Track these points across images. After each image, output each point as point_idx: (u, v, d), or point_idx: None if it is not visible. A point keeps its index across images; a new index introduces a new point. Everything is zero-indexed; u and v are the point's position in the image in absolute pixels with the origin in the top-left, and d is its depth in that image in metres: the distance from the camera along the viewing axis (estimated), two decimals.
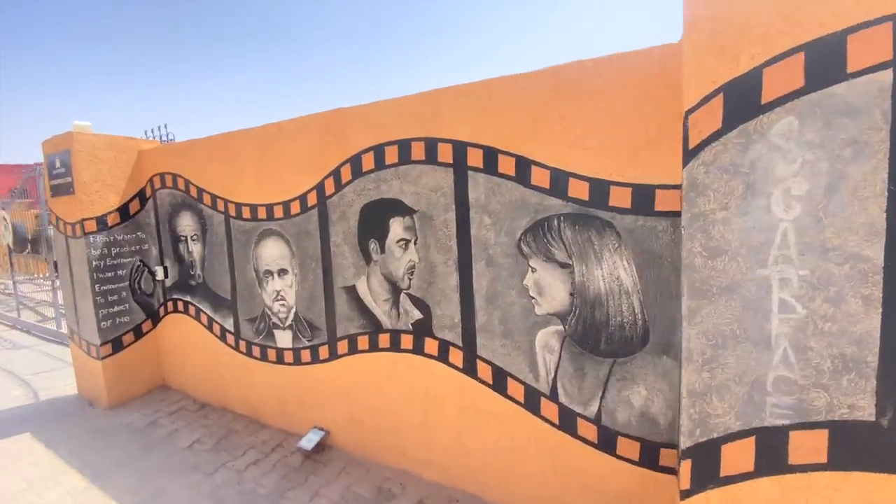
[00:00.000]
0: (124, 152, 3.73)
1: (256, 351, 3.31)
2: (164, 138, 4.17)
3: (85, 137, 3.49)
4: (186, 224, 3.61)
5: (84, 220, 3.49)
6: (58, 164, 3.60)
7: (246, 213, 3.19)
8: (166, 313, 3.95)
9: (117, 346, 3.72)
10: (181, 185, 3.58)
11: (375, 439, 2.78)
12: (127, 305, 3.78)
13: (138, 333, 3.87)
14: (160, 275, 3.84)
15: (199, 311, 3.65)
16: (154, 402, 3.80)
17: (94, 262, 3.54)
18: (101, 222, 3.58)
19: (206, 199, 3.42)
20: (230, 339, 3.46)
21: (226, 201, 3.29)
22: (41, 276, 10.71)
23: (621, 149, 1.87)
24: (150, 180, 3.81)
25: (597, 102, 1.90)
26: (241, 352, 3.40)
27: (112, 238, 3.65)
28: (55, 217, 3.77)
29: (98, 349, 3.61)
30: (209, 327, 3.59)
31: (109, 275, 3.64)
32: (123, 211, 3.72)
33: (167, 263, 3.84)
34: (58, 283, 6.05)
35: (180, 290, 3.78)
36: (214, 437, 3.21)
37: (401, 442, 2.68)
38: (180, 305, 3.81)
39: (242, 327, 3.37)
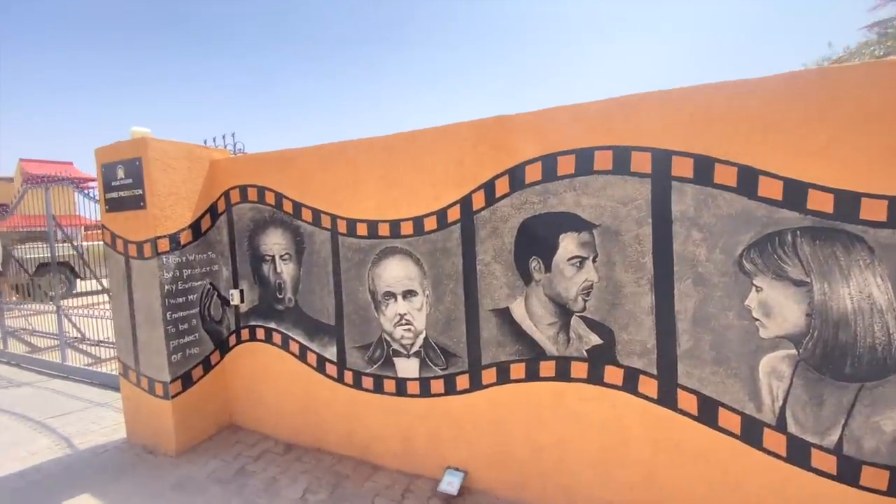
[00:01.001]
0: (198, 163, 3.32)
1: (368, 382, 2.96)
2: (233, 148, 3.76)
3: (160, 145, 3.07)
4: (275, 242, 3.23)
5: (157, 237, 3.05)
6: (120, 175, 3.15)
7: (361, 229, 2.88)
8: (238, 342, 3.51)
9: (187, 381, 3.25)
10: (270, 199, 3.21)
11: (534, 479, 2.50)
12: (197, 335, 3.32)
13: (207, 366, 3.41)
14: (236, 299, 3.41)
15: (287, 338, 3.25)
16: (228, 445, 3.32)
17: (166, 287, 3.09)
18: (174, 241, 3.15)
19: (306, 214, 3.07)
20: (331, 369, 3.09)
21: (334, 217, 2.97)
22: (8, 300, 9.61)
23: (874, 157, 1.76)
24: (226, 194, 3.41)
25: (843, 107, 1.79)
26: (345, 383, 3.04)
27: (184, 259, 3.21)
28: (110, 235, 3.29)
29: (167, 387, 3.13)
30: (301, 357, 3.20)
31: (181, 300, 3.19)
32: (195, 228, 3.29)
33: (243, 286, 3.43)
34: (66, 309, 5.39)
35: (261, 316, 3.36)
36: (325, 484, 2.81)
37: (570, 482, 2.41)
38: (260, 333, 3.39)
39: (349, 356, 3.01)
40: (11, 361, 6.09)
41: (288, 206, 3.15)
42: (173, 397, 3.15)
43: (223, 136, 3.74)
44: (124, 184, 3.14)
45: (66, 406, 4.36)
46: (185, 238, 3.22)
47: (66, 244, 11.75)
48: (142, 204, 3.07)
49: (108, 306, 5.52)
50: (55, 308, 5.55)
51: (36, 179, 5.28)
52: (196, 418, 3.31)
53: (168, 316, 3.11)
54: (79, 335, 6.96)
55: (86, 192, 4.81)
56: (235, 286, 3.46)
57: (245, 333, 3.46)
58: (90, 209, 4.85)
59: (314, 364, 3.16)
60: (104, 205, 3.29)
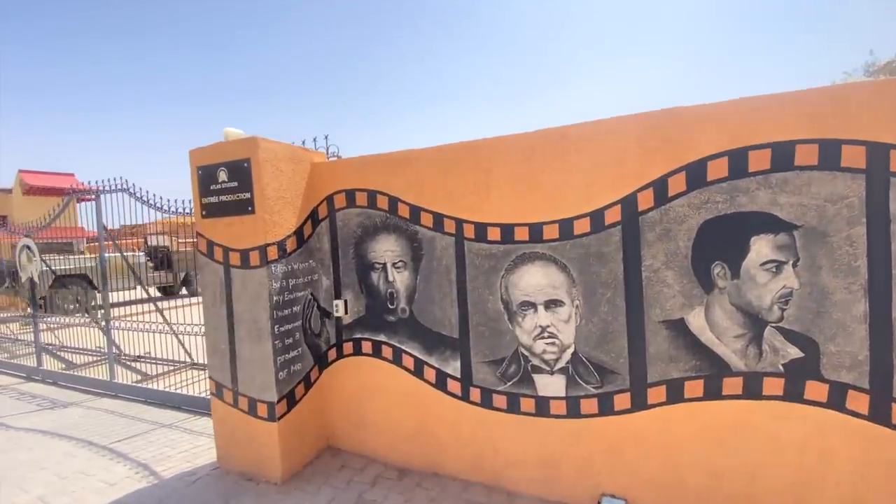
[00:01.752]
0: (300, 165, 3.10)
1: (500, 401, 2.71)
2: (326, 151, 3.54)
3: (269, 145, 2.85)
4: (387, 249, 3.00)
5: (267, 245, 2.81)
6: (222, 178, 2.92)
7: (493, 234, 2.66)
8: (338, 357, 3.25)
9: (291, 401, 2.98)
10: (382, 203, 2.99)
11: None
12: (300, 350, 3.07)
13: (307, 384, 3.15)
14: (340, 310, 3.17)
15: (399, 352, 3.01)
16: (334, 471, 3.05)
17: (274, 298, 2.84)
18: (282, 248, 2.91)
19: (426, 219, 2.85)
20: (453, 386, 2.84)
21: (459, 221, 2.75)
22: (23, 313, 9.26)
23: None
24: (329, 199, 3.18)
25: None
26: (472, 402, 2.79)
27: (290, 268, 2.97)
28: (205, 243, 3.05)
29: (272, 407, 2.86)
30: (416, 372, 2.95)
31: (286, 312, 2.94)
32: (299, 235, 3.05)
33: (347, 296, 3.18)
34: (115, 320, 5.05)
35: (368, 328, 3.12)
36: None
37: None
38: (366, 347, 3.14)
39: (477, 372, 2.77)
40: (48, 379, 5.76)
41: (404, 211, 2.92)
42: (279, 419, 2.88)
43: (314, 139, 3.52)
44: (227, 187, 2.91)
45: (129, 428, 4.06)
46: (290, 245, 2.98)
47: (81, 256, 11.47)
48: (249, 209, 2.84)
49: (145, 318, 5.23)
50: (100, 322, 5.25)
51: (72, 191, 5.01)
52: (298, 441, 3.04)
53: (275, 329, 2.86)
54: (117, 350, 6.66)
55: (143, 200, 4.56)
56: (337, 296, 3.22)
57: (348, 347, 3.21)
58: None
59: (432, 380, 2.91)
60: (199, 210, 3.05)
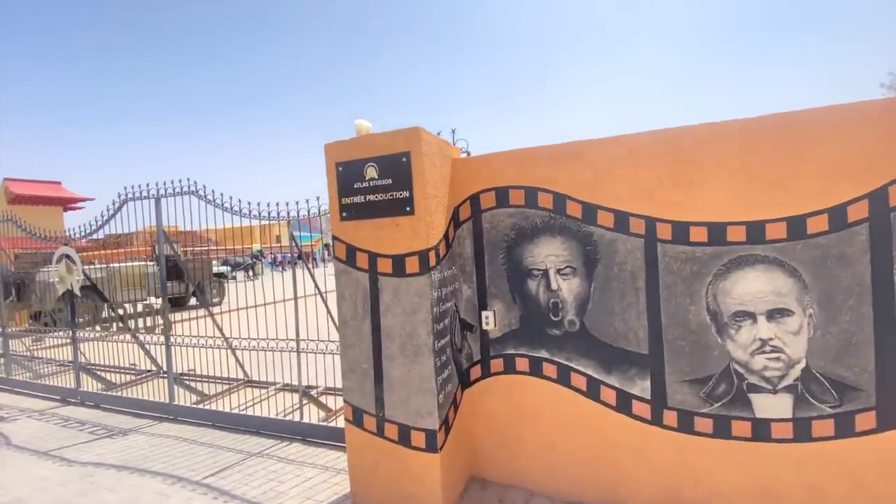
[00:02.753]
0: (446, 160, 2.75)
1: (704, 424, 2.39)
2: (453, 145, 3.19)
3: (429, 137, 2.51)
4: (550, 254, 2.67)
5: (428, 249, 2.46)
6: (371, 175, 2.56)
7: (697, 235, 2.36)
8: (484, 375, 2.90)
9: (447, 428, 2.61)
10: (545, 202, 2.66)
11: None
12: (451, 368, 2.70)
13: (455, 407, 2.78)
14: (490, 323, 2.81)
15: (566, 370, 2.66)
16: None
17: (433, 309, 2.48)
18: (437, 254, 2.55)
19: (604, 218, 2.53)
20: (640, 408, 2.51)
21: (651, 220, 2.44)
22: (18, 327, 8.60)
23: None
24: (473, 198, 2.84)
25: None
26: (665, 426, 2.46)
27: (442, 275, 2.62)
28: (344, 249, 2.67)
29: (432, 436, 2.49)
30: (590, 393, 2.61)
31: (441, 326, 2.58)
32: (446, 239, 2.71)
33: (495, 307, 2.84)
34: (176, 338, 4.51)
35: (524, 343, 2.77)
36: None
37: None
38: (521, 364, 2.79)
39: (673, 392, 2.45)
40: (88, 402, 5.21)
41: (574, 210, 2.60)
42: (441, 449, 2.51)
43: (438, 133, 3.18)
44: (378, 185, 2.54)
45: (214, 459, 3.60)
46: (442, 251, 2.63)
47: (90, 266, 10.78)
48: (408, 209, 2.48)
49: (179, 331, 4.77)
50: (160, 338, 4.76)
51: (127, 197, 4.55)
52: (453, 474, 2.67)
53: (435, 345, 2.49)
54: (154, 367, 6.14)
55: (219, 205, 4.14)
56: (482, 307, 2.87)
57: (496, 364, 2.86)
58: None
59: (612, 402, 2.58)
60: (338, 213, 2.67)
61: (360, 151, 2.60)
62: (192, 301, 13.18)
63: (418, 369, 2.51)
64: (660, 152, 2.41)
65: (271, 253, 29.76)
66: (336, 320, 2.91)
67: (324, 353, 4.09)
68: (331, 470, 3.28)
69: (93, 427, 4.47)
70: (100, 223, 4.94)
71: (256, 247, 27.29)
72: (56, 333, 6.50)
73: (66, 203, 22.24)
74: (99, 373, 6.00)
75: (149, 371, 6.15)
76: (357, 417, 2.71)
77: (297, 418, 4.07)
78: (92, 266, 10.48)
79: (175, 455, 3.71)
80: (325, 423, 3.88)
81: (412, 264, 2.49)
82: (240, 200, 4.12)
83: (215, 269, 13.75)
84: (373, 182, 2.56)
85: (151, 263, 11.94)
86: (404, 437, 2.58)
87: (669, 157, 2.39)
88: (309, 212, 3.76)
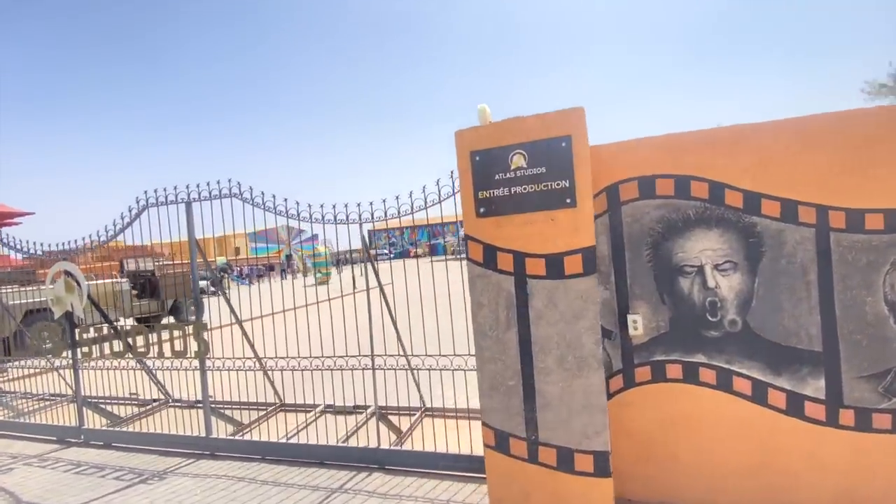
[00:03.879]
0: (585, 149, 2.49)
1: (882, 420, 2.23)
2: None
3: (585, 121, 2.23)
4: (705, 248, 2.46)
5: (592, 246, 2.18)
6: (518, 163, 2.25)
7: (873, 222, 2.21)
8: (626, 386, 2.62)
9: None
10: (699, 191, 2.44)
11: None
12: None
13: None
14: (638, 327, 2.55)
15: (727, 375, 2.45)
16: None
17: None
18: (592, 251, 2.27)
19: (769, 208, 2.35)
20: (813, 410, 2.33)
21: (821, 208, 2.27)
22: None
23: None
24: (610, 189, 2.58)
25: None
26: (841, 426, 2.29)
27: None
28: (481, 249, 2.34)
29: (603, 459, 2.19)
30: (755, 397, 2.41)
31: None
32: None
33: (641, 310, 2.58)
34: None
35: (676, 348, 2.52)
36: None
37: None
38: (672, 371, 2.54)
39: (849, 390, 2.28)
40: (94, 441, 4.48)
41: (734, 199, 2.40)
42: (611, 474, 2.21)
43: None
44: (528, 175, 2.24)
45: (295, 500, 3.11)
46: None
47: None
48: (568, 201, 2.19)
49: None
50: (192, 363, 4.15)
51: (148, 202, 3.96)
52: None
53: (601, 355, 2.20)
54: (165, 395, 5.43)
55: (268, 208, 3.66)
56: (623, 310, 2.61)
57: (642, 373, 2.60)
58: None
59: (780, 405, 2.39)
60: (474, 208, 2.34)
61: (504, 137, 2.28)
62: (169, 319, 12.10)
63: (582, 384, 2.22)
64: (831, 136, 2.26)
65: (237, 266, 28.24)
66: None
67: (394, 370, 3.70)
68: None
69: (116, 471, 3.81)
70: (112, 232, 4.28)
71: (222, 260, 25.85)
72: (32, 363, 5.64)
73: (2, 218, 20.19)
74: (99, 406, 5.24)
75: (155, 400, 5.45)
76: (501, 442, 2.37)
77: (359, 443, 3.65)
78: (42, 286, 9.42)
79: (243, 499, 3.18)
80: (412, 450, 3.47)
81: (573, 264, 2.20)
82: (297, 203, 3.66)
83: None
84: (521, 171, 2.25)
85: (124, 280, 10.93)
86: (565, 462, 2.27)
87: (842, 141, 2.25)
88: (386, 213, 3.37)
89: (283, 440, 3.88)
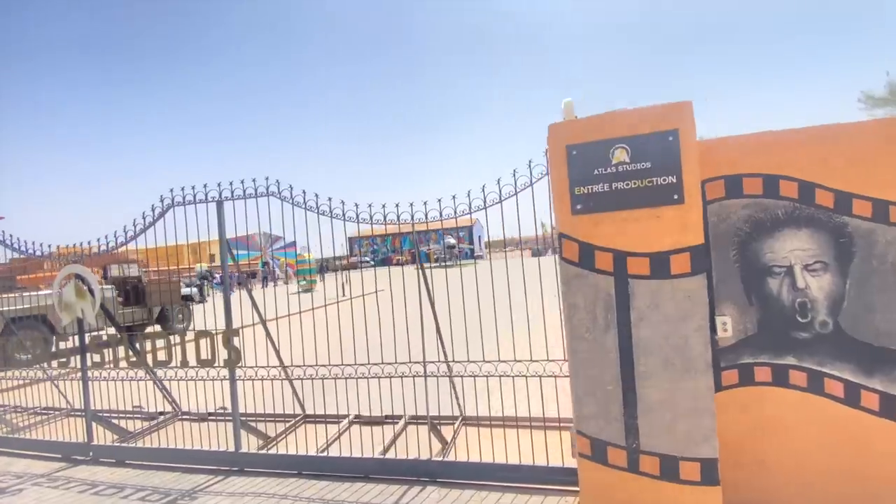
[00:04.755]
0: None
1: None
2: None
3: (692, 114, 2.17)
4: (795, 248, 2.42)
5: (700, 245, 2.11)
6: (620, 157, 2.17)
7: None
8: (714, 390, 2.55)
9: None
10: (788, 190, 2.41)
11: None
12: None
13: None
14: (728, 329, 2.48)
15: (818, 377, 2.40)
16: None
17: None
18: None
19: (861, 207, 2.33)
20: None
21: None
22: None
23: None
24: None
25: None
26: None
27: None
28: (577, 248, 2.23)
29: (711, 467, 2.10)
30: (849, 399, 2.36)
31: None
32: None
33: (728, 311, 2.52)
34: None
35: (764, 350, 2.46)
36: None
37: None
38: (761, 374, 2.47)
39: None
40: (103, 458, 4.13)
41: (824, 199, 2.38)
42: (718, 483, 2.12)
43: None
44: (630, 170, 2.16)
45: None
46: None
47: (34, 294, 9.04)
48: (675, 197, 2.12)
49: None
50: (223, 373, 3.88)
51: (173, 201, 3.71)
52: None
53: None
54: (174, 408, 5.09)
55: (311, 208, 3.47)
56: (712, 311, 2.54)
57: (729, 377, 2.52)
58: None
59: (874, 407, 2.35)
60: (569, 205, 2.24)
61: (604, 131, 2.20)
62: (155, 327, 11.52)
63: (689, 387, 2.13)
64: None
65: (214, 273, 27.34)
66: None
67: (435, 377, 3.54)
68: None
69: (138, 492, 3.51)
70: (132, 233, 3.99)
71: (202, 266, 24.98)
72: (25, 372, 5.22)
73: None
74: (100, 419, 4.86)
75: (161, 413, 5.11)
76: (598, 451, 2.26)
77: (398, 454, 3.48)
78: (37, 294, 8.84)
79: None
80: (469, 461, 3.30)
81: (680, 263, 2.13)
82: (342, 202, 3.49)
83: (183, 291, 12.15)
84: (623, 166, 2.17)
85: (109, 287, 10.36)
86: (669, 471, 2.17)
87: None
88: (456, 211, 3.23)
89: (323, 454, 3.66)
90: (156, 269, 12.63)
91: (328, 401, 4.38)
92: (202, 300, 14.28)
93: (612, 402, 2.24)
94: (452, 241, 32.78)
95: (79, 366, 4.29)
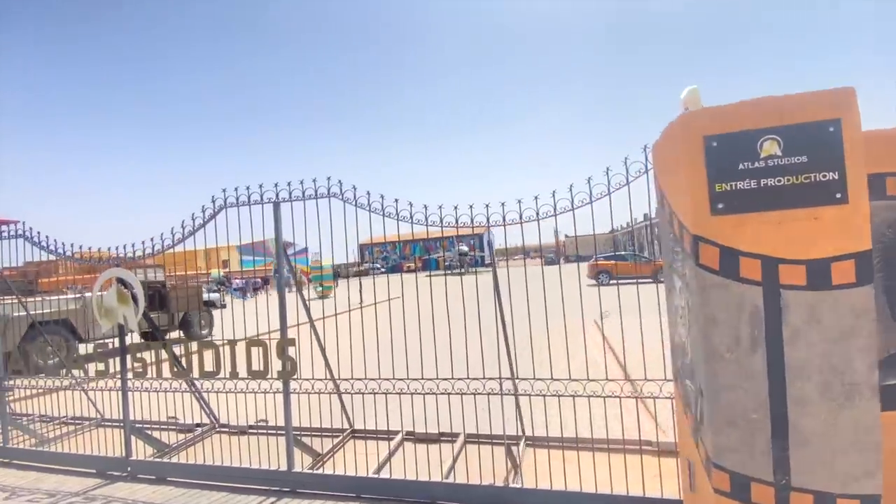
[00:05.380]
0: None
1: None
2: None
3: (856, 101, 1.90)
4: None
5: (867, 251, 1.83)
6: (770, 150, 1.90)
7: None
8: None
9: None
10: None
11: None
12: None
13: None
14: None
15: None
16: None
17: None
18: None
19: None
20: None
21: None
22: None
23: None
24: None
25: None
26: None
27: None
28: (718, 254, 1.96)
29: None
30: None
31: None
32: None
33: None
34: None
35: None
36: None
37: None
38: None
39: None
40: (144, 475, 3.86)
41: None
42: None
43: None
44: (782, 165, 1.89)
45: None
46: None
47: (66, 297, 8.90)
48: (838, 196, 1.84)
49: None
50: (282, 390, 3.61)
51: (224, 203, 3.49)
52: None
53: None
54: (212, 420, 4.84)
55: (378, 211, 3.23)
56: None
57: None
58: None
59: None
60: (707, 204, 1.97)
61: (751, 120, 1.94)
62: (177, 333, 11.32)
63: (851, 416, 1.84)
64: None
65: (231, 279, 27.22)
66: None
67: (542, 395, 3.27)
68: None
69: None
70: (181, 235, 3.77)
71: (216, 272, 24.89)
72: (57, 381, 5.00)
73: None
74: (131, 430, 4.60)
75: (198, 425, 4.86)
76: (739, 488, 1.96)
77: (457, 478, 3.20)
78: (61, 297, 8.69)
79: None
80: (550, 489, 3.02)
81: (843, 272, 1.85)
82: (410, 204, 3.25)
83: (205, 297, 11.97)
84: (773, 160, 1.91)
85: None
86: None
87: None
88: (521, 215, 2.99)
89: (382, 475, 3.38)
90: (173, 274, 12.46)
91: (370, 414, 4.14)
92: (223, 305, 14.11)
93: (758, 432, 1.94)
94: (465, 248, 32.51)
95: (115, 373, 4.06)
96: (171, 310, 10.70)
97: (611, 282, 16.46)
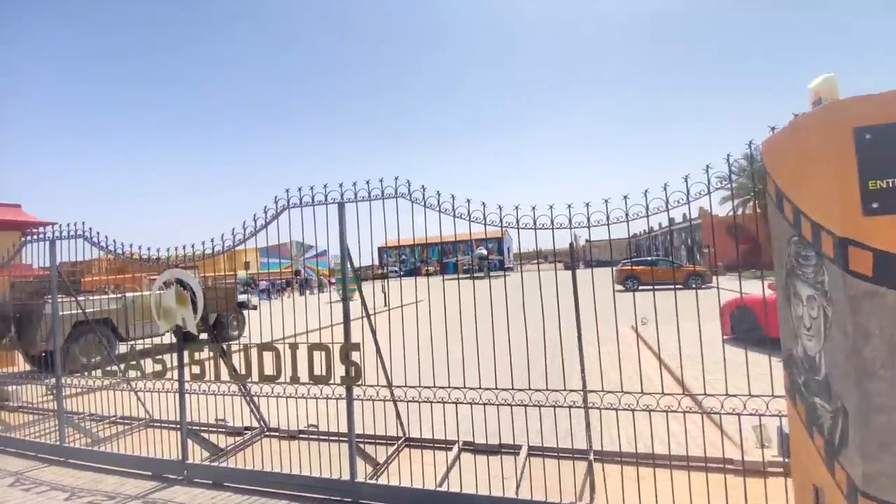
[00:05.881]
0: None
1: None
2: None
3: None
4: None
5: None
6: None
7: None
8: None
9: None
10: None
11: None
12: None
13: None
14: None
15: None
16: None
17: None
18: None
19: None
20: None
21: None
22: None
23: None
24: None
25: None
26: None
27: None
28: (872, 258, 1.75)
29: None
30: None
31: None
32: None
33: None
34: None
35: None
36: None
37: None
38: None
39: None
40: (200, 479, 3.78)
41: None
42: None
43: None
44: None
45: None
46: None
47: (106, 296, 9.06)
48: None
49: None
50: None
51: (279, 207, 3.40)
52: None
53: None
54: (261, 424, 4.77)
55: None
56: None
57: None
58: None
59: None
60: (859, 204, 1.76)
61: None
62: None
63: None
64: None
65: (258, 281, 27.60)
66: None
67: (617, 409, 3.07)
68: None
69: None
70: (242, 236, 3.70)
71: (243, 274, 25.23)
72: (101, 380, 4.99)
73: (25, 227, 19.93)
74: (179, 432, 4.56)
75: (248, 428, 4.80)
76: None
77: (534, 495, 2.99)
78: (103, 297, 8.83)
79: None
80: None
81: None
82: (483, 204, 3.10)
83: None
84: None
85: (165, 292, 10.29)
86: None
87: None
88: (608, 216, 2.80)
89: (448, 489, 3.22)
90: (204, 275, 12.58)
91: (415, 420, 4.00)
92: (255, 307, 14.21)
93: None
94: (484, 251, 32.34)
95: (175, 375, 4.01)
96: (207, 311, 10.78)
97: (639, 287, 16.10)
